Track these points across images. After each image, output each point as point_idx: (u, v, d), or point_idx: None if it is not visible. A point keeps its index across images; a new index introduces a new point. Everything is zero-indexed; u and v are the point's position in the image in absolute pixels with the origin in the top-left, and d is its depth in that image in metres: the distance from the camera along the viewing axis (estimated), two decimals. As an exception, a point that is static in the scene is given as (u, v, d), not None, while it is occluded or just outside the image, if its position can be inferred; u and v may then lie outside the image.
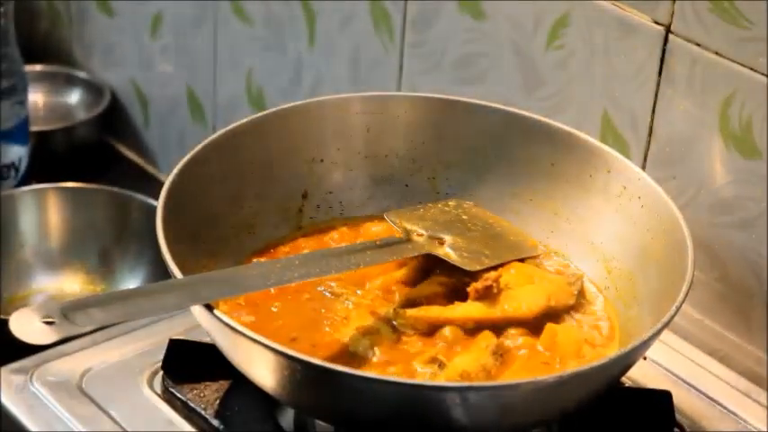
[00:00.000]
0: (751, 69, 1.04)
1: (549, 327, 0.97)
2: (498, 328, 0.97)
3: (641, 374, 1.04)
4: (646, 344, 0.90)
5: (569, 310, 1.00)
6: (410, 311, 0.97)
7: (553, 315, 0.99)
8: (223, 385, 1.00)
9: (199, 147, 1.02)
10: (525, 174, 1.09)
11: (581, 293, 1.02)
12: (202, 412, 0.98)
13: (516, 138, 1.09)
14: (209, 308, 0.88)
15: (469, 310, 0.98)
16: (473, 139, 1.10)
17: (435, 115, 1.10)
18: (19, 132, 1.52)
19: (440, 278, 1.01)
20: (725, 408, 1.04)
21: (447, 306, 0.98)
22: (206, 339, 0.98)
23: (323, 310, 0.98)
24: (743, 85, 1.05)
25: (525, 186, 1.09)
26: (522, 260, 1.04)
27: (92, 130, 1.65)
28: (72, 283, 1.46)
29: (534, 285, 1.00)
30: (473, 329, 0.97)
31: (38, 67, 1.70)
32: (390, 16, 1.31)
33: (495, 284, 0.98)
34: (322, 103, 1.09)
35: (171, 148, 1.63)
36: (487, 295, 0.98)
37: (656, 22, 1.10)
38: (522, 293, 0.99)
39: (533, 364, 0.94)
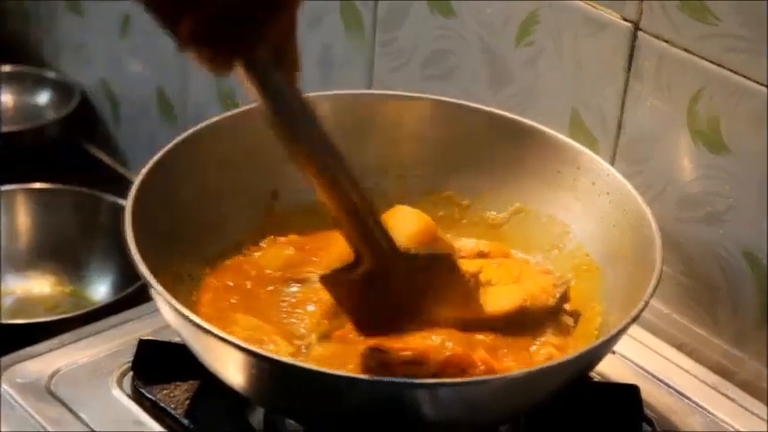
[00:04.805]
0: (718, 66, 1.05)
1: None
2: (469, 325, 0.97)
3: (610, 369, 1.05)
4: (614, 338, 0.90)
5: (548, 312, 1.00)
6: None
7: (528, 315, 0.98)
8: (193, 385, 0.99)
9: (167, 147, 1.01)
10: (494, 170, 1.09)
11: (564, 297, 1.01)
12: (172, 412, 0.98)
13: (486, 135, 1.09)
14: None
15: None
16: (443, 136, 1.10)
17: (405, 113, 1.10)
18: (-12, 133, 1.51)
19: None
20: (693, 401, 1.04)
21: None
22: (175, 339, 0.98)
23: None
24: (710, 81, 1.06)
25: (494, 183, 1.09)
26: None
27: (61, 130, 1.65)
28: (41, 285, 1.45)
29: (515, 285, 1.00)
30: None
31: (7, 68, 1.70)
32: (361, 15, 1.31)
33: (472, 279, 0.98)
34: (291, 101, 1.09)
35: (141, 148, 1.62)
36: (463, 290, 0.98)
37: (625, 19, 1.10)
38: (499, 292, 0.99)
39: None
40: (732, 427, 1.02)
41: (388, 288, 0.93)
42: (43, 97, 1.70)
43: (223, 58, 0.81)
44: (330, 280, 0.94)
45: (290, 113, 0.86)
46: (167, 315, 0.91)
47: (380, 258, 0.91)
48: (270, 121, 0.86)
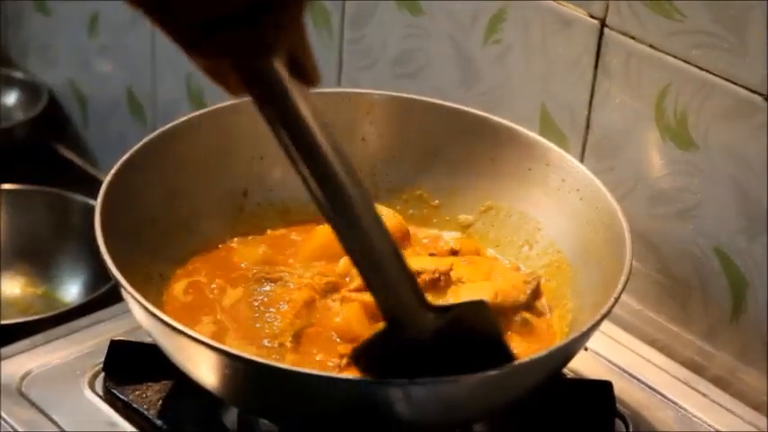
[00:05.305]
0: (685, 62, 1.05)
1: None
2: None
3: (583, 366, 1.05)
4: (586, 335, 0.90)
5: (519, 307, 1.00)
6: (354, 296, 0.97)
7: (500, 312, 0.98)
8: (165, 385, 0.99)
9: (136, 147, 1.01)
10: (465, 169, 1.09)
11: (536, 293, 1.01)
12: (145, 413, 0.97)
13: (456, 133, 1.09)
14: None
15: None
16: (413, 134, 1.10)
17: (375, 111, 1.10)
18: (-45, 135, 1.50)
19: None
20: (665, 397, 1.05)
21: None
22: (147, 340, 0.97)
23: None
24: (677, 78, 1.06)
25: (465, 181, 1.09)
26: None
27: (30, 131, 1.64)
28: (12, 287, 1.44)
29: (485, 281, 1.00)
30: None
31: (-27, 69, 1.69)
32: (329, 13, 1.31)
33: (443, 277, 0.98)
34: (261, 100, 1.08)
35: (111, 148, 1.62)
36: (434, 287, 0.98)
37: (592, 16, 1.11)
38: (469, 289, 0.99)
39: None
40: (704, 421, 1.03)
41: (424, 359, 0.82)
42: (11, 98, 1.69)
43: (235, 64, 0.69)
44: (361, 356, 0.82)
45: (310, 146, 0.73)
46: (138, 315, 0.91)
47: (410, 318, 0.80)
48: (286, 152, 0.74)
